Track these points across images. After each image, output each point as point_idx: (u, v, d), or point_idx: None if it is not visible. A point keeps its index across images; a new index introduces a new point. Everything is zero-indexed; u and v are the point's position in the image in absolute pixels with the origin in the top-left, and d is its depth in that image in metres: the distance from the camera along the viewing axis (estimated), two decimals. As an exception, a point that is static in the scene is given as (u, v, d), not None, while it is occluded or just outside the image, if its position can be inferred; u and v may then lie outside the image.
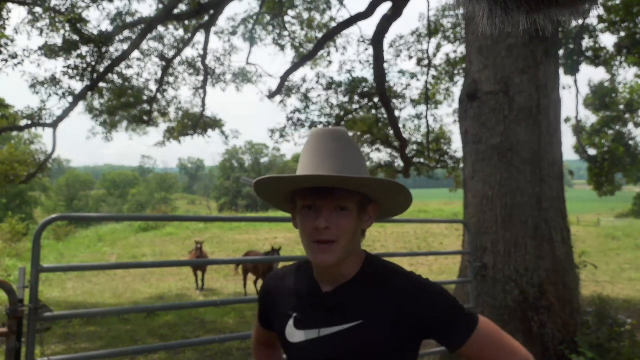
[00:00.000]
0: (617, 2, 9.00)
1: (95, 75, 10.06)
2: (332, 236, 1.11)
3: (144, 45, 11.54)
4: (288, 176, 1.12)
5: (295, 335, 1.19)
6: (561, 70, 8.62)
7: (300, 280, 1.25)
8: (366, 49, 12.83)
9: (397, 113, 12.55)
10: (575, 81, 8.88)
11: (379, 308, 1.11)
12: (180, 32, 12.04)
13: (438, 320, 1.10)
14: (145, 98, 12.71)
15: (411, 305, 1.10)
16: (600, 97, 17.48)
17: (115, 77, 11.59)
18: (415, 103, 13.16)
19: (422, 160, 14.43)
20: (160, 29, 11.51)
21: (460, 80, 12.82)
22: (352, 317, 1.12)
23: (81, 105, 12.93)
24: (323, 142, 1.16)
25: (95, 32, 9.59)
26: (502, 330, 1.13)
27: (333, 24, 12.34)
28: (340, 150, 1.14)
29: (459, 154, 13.51)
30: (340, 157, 1.13)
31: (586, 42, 10.26)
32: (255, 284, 10.15)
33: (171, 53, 12.10)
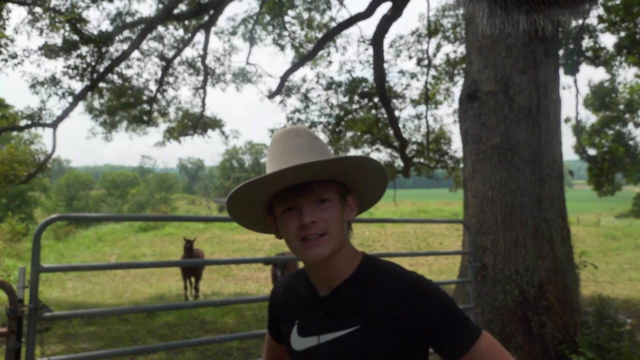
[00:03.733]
0: (617, 2, 9.00)
1: (95, 75, 10.05)
2: (319, 229, 1.06)
3: (144, 45, 11.54)
4: (256, 178, 1.06)
5: (298, 343, 1.15)
6: (561, 70, 8.62)
7: (301, 285, 1.22)
8: (366, 49, 12.84)
9: (397, 113, 12.54)
10: (575, 81, 8.86)
11: (375, 311, 1.05)
12: (180, 32, 12.04)
13: (435, 322, 1.01)
14: (145, 98, 12.70)
15: (407, 305, 1.03)
16: (600, 97, 17.47)
17: (115, 77, 11.59)
18: (415, 103, 13.15)
19: (422, 160, 14.43)
20: (160, 29, 11.51)
21: (460, 80, 12.82)
22: (349, 322, 1.07)
23: (81, 105, 12.94)
24: (284, 142, 1.13)
25: (95, 32, 9.59)
26: (505, 351, 1.03)
27: (333, 24, 12.34)
28: (304, 144, 1.12)
29: (459, 154, 13.51)
30: (305, 150, 1.11)
31: (586, 42, 10.25)
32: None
33: (171, 53, 12.10)
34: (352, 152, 13.45)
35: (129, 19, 10.49)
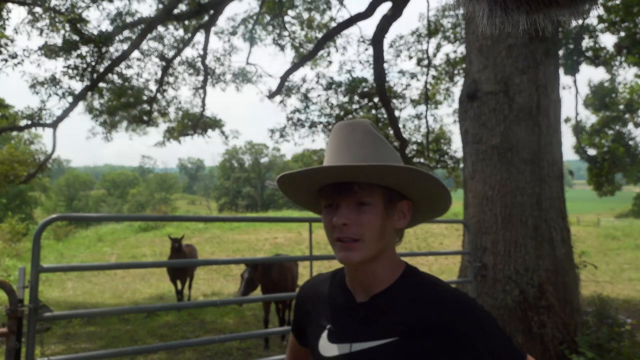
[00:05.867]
0: (617, 2, 9.00)
1: (95, 75, 10.06)
2: (352, 234, 1.02)
3: (144, 45, 11.54)
4: (291, 173, 1.07)
5: (328, 349, 1.09)
6: (561, 70, 8.62)
7: (335, 288, 1.16)
8: (366, 49, 12.84)
9: (397, 113, 12.54)
10: (575, 81, 8.88)
11: (415, 323, 1.00)
12: (180, 32, 12.05)
13: (477, 341, 0.98)
14: (145, 98, 12.71)
15: (448, 320, 0.98)
16: (600, 97, 17.49)
17: (115, 77, 11.60)
18: (415, 103, 13.15)
19: (422, 160, 14.42)
20: (160, 29, 11.51)
21: (460, 80, 12.82)
22: (386, 332, 1.02)
23: (81, 105, 12.95)
24: (339, 135, 1.09)
25: (95, 32, 9.59)
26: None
27: (333, 24, 12.34)
28: (357, 141, 1.07)
29: (459, 154, 13.51)
30: (356, 147, 1.06)
31: (586, 42, 10.26)
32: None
33: (171, 53, 12.10)
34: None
35: (129, 19, 10.50)
